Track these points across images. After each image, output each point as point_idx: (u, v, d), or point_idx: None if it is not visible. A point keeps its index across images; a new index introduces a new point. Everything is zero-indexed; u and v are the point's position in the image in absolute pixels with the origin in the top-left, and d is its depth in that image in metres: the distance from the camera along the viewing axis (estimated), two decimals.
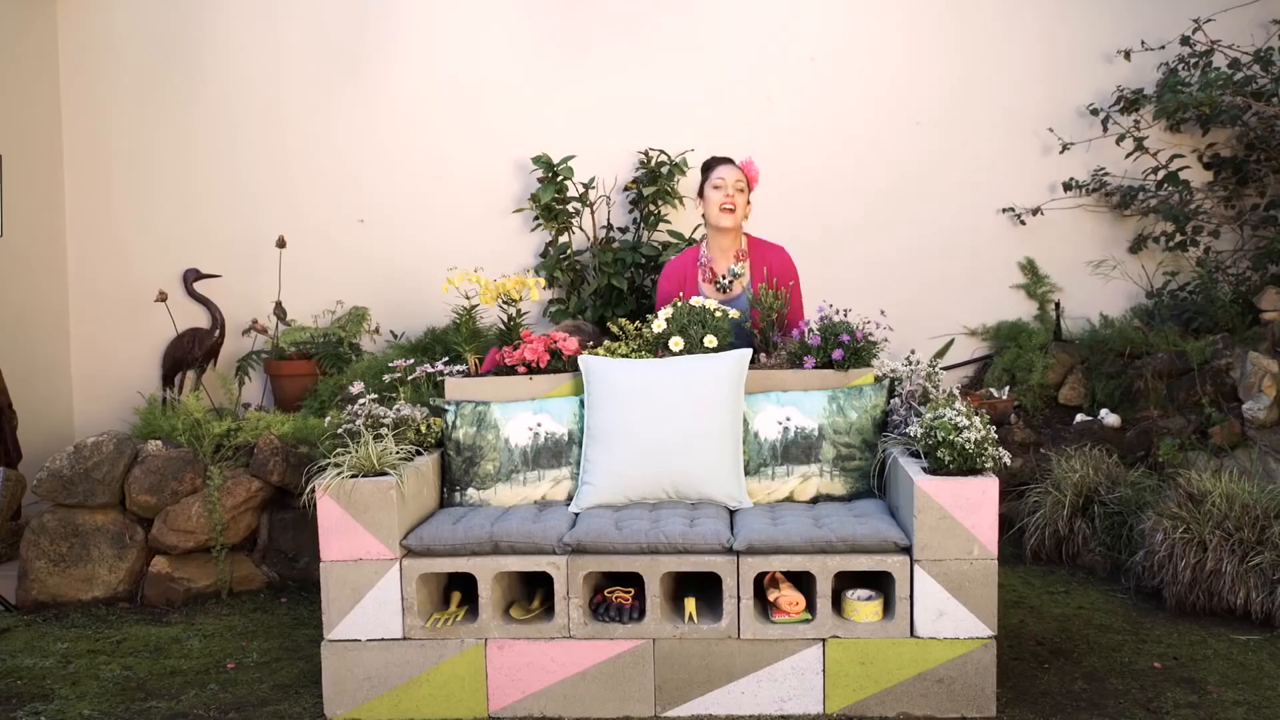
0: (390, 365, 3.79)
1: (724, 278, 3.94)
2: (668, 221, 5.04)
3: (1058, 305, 5.06)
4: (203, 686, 3.22)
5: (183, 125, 5.28)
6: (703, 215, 4.04)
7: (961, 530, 2.84)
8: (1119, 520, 3.92)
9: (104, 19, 5.27)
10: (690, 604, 2.98)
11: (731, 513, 3.19)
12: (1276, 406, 4.25)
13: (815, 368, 3.43)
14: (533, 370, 3.48)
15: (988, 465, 2.94)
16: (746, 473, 3.29)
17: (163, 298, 5.10)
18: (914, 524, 2.85)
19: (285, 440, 4.07)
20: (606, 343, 3.58)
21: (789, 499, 3.30)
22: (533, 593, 3.20)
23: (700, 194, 4.03)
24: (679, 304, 3.51)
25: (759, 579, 3.10)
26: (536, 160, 4.94)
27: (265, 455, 4.02)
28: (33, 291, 5.08)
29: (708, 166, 4.04)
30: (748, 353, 3.32)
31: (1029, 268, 5.15)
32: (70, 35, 5.27)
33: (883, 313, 3.88)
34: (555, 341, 3.50)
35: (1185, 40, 4.88)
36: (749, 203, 4.01)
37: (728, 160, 4.02)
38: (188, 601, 3.98)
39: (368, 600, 2.96)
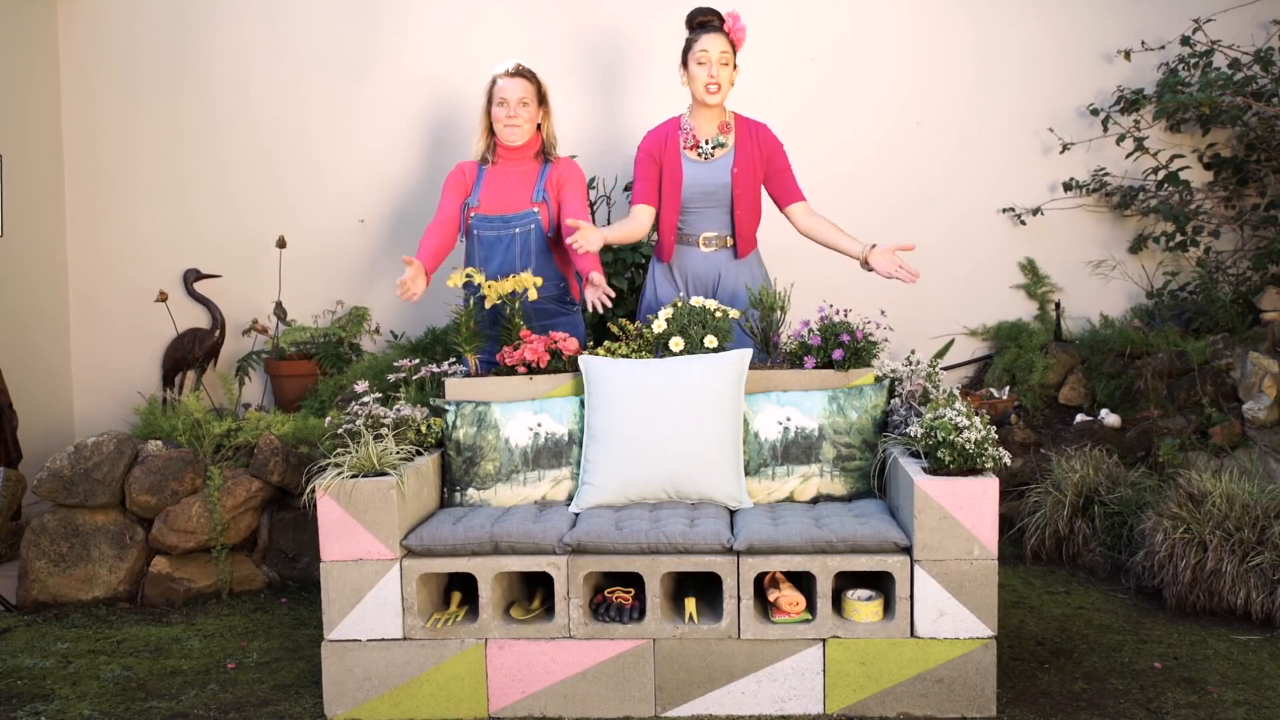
0: (395, 365, 3.80)
1: (707, 143, 3.83)
2: None
3: (1058, 305, 5.06)
4: (203, 686, 3.22)
5: (183, 125, 5.27)
6: (685, 84, 3.84)
7: (962, 530, 2.84)
8: (1119, 520, 3.93)
9: (104, 19, 5.27)
10: (690, 604, 2.98)
11: (732, 513, 3.20)
12: (1277, 406, 4.25)
13: (815, 368, 3.43)
14: (533, 370, 3.48)
15: (988, 465, 2.94)
16: (747, 473, 3.29)
17: (163, 298, 5.10)
18: (914, 524, 2.86)
19: (285, 440, 4.07)
20: (606, 343, 3.58)
21: (789, 499, 3.30)
22: (533, 593, 3.20)
23: (684, 63, 3.79)
24: (679, 304, 3.50)
25: (759, 579, 3.10)
26: None
27: (265, 455, 4.03)
28: (33, 291, 5.08)
29: (690, 26, 3.79)
30: (748, 353, 3.32)
31: (1029, 268, 5.15)
32: (70, 35, 5.27)
33: (883, 313, 3.88)
34: (555, 341, 3.51)
35: (1185, 40, 4.88)
36: (735, 67, 3.79)
37: (709, 23, 3.76)
38: (188, 601, 3.98)
39: (368, 600, 2.96)
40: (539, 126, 3.96)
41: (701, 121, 3.87)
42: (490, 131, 3.95)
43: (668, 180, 3.84)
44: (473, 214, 3.91)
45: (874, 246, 3.71)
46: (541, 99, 3.94)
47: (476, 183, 3.94)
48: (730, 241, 3.89)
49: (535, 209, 3.88)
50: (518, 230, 3.87)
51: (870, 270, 3.70)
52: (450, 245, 3.92)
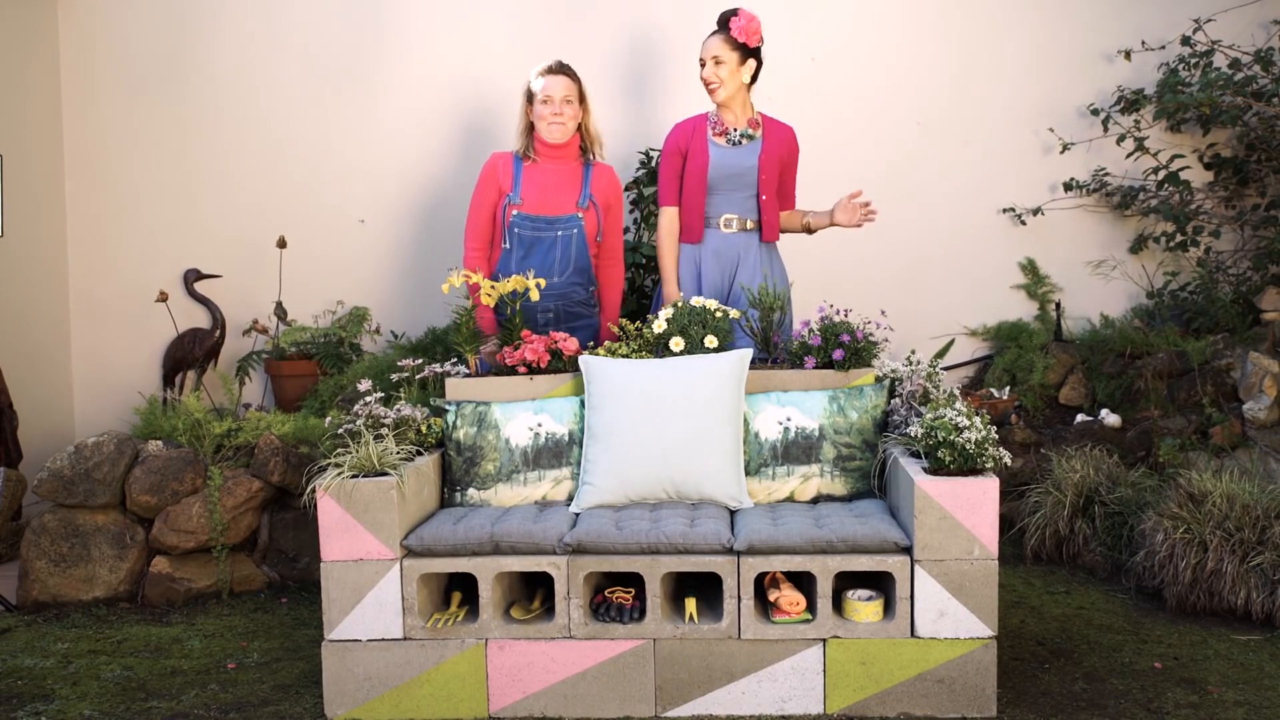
0: (398, 365, 3.80)
1: (735, 130, 3.90)
2: None
3: (1058, 305, 5.06)
4: (203, 686, 3.22)
5: (183, 125, 5.27)
6: None
7: (962, 530, 2.84)
8: (1119, 520, 3.93)
9: (104, 19, 5.26)
10: (691, 604, 2.98)
11: (732, 513, 3.20)
12: (1277, 406, 4.25)
13: (816, 368, 3.44)
14: (533, 370, 3.48)
15: (988, 465, 2.94)
16: (747, 473, 3.29)
17: (163, 298, 5.10)
18: (914, 524, 2.86)
19: (286, 440, 4.07)
20: (607, 343, 3.58)
21: (789, 499, 3.30)
22: (533, 593, 3.20)
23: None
24: (679, 304, 3.51)
25: (759, 579, 3.11)
26: None
27: (266, 455, 4.03)
28: (33, 292, 5.08)
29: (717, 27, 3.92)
30: (748, 353, 3.32)
31: (1029, 268, 5.15)
32: (70, 35, 5.27)
33: (883, 313, 3.89)
34: (555, 341, 3.51)
35: (1185, 40, 4.88)
36: (744, 62, 3.85)
37: (719, 28, 3.84)
38: (188, 601, 3.98)
39: (368, 600, 2.96)
40: (579, 125, 3.98)
41: (728, 115, 3.97)
42: (530, 130, 3.96)
43: (693, 165, 3.91)
44: (514, 212, 3.90)
45: (833, 208, 3.96)
46: (581, 97, 3.96)
47: (516, 179, 3.93)
48: (751, 225, 3.96)
49: (580, 214, 3.91)
50: (560, 233, 3.89)
51: (838, 224, 3.95)
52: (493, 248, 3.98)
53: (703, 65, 3.88)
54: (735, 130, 3.93)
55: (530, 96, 3.92)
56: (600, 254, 4.03)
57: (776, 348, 3.60)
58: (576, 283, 3.95)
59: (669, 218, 3.98)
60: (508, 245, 3.92)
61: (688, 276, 3.98)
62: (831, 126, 5.13)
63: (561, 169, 3.95)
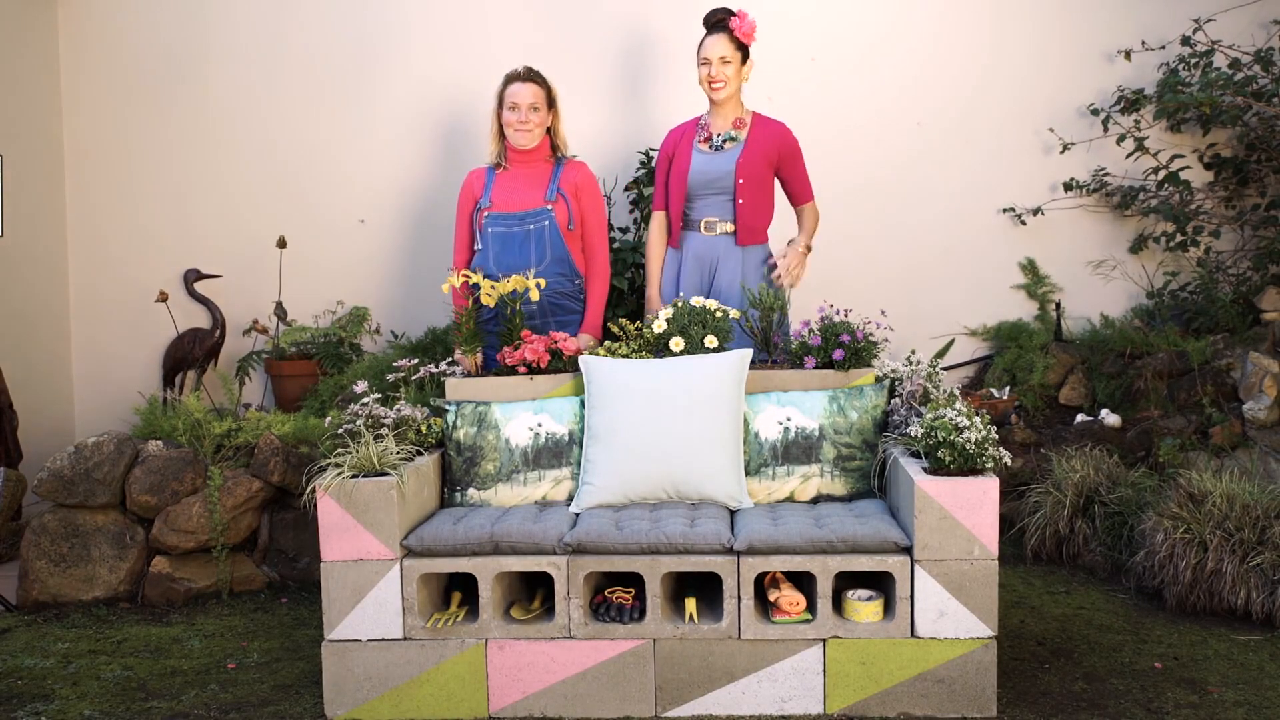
0: (395, 365, 3.80)
1: (718, 135, 3.95)
2: None
3: (1058, 305, 5.06)
4: (203, 686, 3.22)
5: (183, 125, 5.28)
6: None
7: (962, 530, 2.84)
8: (1119, 520, 3.93)
9: (104, 19, 5.27)
10: (691, 604, 2.98)
11: (732, 513, 3.20)
12: (1277, 406, 4.25)
13: (816, 368, 3.44)
14: (533, 370, 3.48)
15: (988, 465, 2.94)
16: (747, 473, 3.29)
17: (163, 298, 5.10)
18: (914, 524, 2.86)
19: (286, 440, 4.07)
20: (607, 343, 3.58)
21: (789, 499, 3.30)
22: (533, 593, 3.20)
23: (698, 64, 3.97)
24: (679, 304, 3.51)
25: (759, 579, 3.11)
26: None
27: (266, 455, 4.03)
28: (33, 292, 5.08)
29: (704, 27, 3.94)
30: (748, 353, 3.32)
31: (1029, 268, 5.15)
32: (70, 35, 5.27)
33: (883, 313, 3.88)
34: (555, 341, 3.51)
35: (1185, 40, 4.88)
36: (746, 62, 3.92)
37: (717, 25, 3.89)
38: (188, 601, 3.98)
39: (368, 600, 2.96)
40: (549, 129, 4.00)
41: (716, 117, 4.01)
42: (502, 135, 3.99)
43: (676, 170, 4.00)
44: (486, 214, 3.95)
45: (790, 242, 4.01)
46: (551, 102, 3.98)
47: (486, 186, 3.99)
48: (731, 228, 3.96)
49: (549, 207, 3.93)
50: (531, 227, 3.91)
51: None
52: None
53: (706, 65, 3.89)
54: (719, 135, 3.97)
55: (501, 102, 3.95)
56: (583, 249, 4.04)
57: (776, 348, 3.60)
58: (560, 273, 3.95)
59: (657, 222, 4.10)
60: (480, 246, 3.95)
61: (669, 280, 4.06)
62: (832, 126, 5.13)
63: (531, 171, 3.99)
